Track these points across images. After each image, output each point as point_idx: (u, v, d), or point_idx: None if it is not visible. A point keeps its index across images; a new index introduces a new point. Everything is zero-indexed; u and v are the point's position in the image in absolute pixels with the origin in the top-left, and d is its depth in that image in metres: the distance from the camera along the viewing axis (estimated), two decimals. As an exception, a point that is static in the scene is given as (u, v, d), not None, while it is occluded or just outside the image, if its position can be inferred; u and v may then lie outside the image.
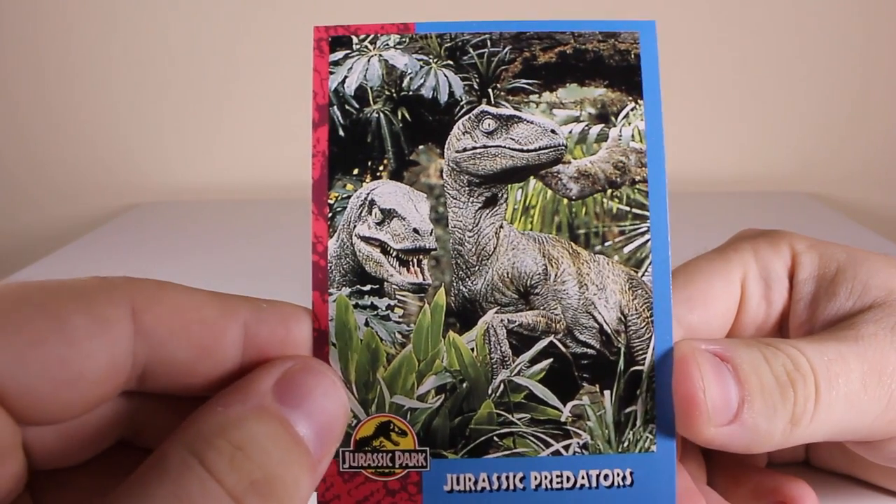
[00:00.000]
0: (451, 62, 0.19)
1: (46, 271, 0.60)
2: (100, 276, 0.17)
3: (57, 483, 0.17)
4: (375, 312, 0.19)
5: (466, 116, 0.19)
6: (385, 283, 0.19)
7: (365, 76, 0.19)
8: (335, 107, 0.19)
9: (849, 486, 0.27)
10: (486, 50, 0.19)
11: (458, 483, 0.19)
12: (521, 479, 0.19)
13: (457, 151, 0.19)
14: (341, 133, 0.19)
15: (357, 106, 0.19)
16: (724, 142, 0.80)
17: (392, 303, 0.19)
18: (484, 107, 0.19)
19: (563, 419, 0.19)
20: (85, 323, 0.16)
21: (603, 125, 0.19)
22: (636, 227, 0.19)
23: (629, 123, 0.19)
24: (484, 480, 0.19)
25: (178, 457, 0.15)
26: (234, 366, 0.18)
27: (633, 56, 0.19)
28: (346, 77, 0.19)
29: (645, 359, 0.19)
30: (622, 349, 0.19)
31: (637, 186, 0.19)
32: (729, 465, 0.25)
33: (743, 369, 0.19)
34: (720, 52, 0.78)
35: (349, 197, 0.19)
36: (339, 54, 0.19)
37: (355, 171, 0.19)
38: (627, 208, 0.19)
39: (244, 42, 0.80)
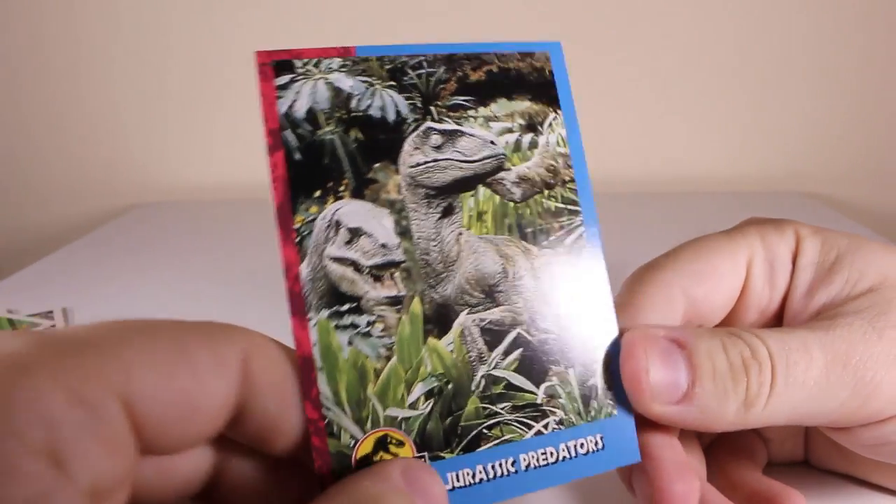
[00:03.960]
0: (393, 83, 0.20)
1: (46, 271, 0.60)
2: (215, 321, 0.18)
3: None
4: (357, 330, 0.19)
5: (415, 133, 0.20)
6: (362, 300, 0.19)
7: (314, 99, 0.20)
8: (288, 130, 0.19)
9: (848, 486, 0.28)
10: (423, 70, 0.21)
11: (458, 480, 0.20)
12: (513, 464, 0.20)
13: (410, 167, 0.20)
14: (297, 156, 0.19)
15: (310, 128, 0.19)
16: (724, 142, 0.81)
17: (371, 318, 0.19)
18: (429, 123, 0.20)
19: (538, 401, 0.21)
20: (208, 360, 0.17)
21: (532, 134, 0.22)
22: (572, 221, 0.22)
23: (553, 131, 0.22)
24: (480, 472, 0.20)
25: None
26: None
27: (547, 72, 0.22)
28: (294, 101, 0.19)
29: (596, 335, 0.21)
30: (576, 330, 0.21)
31: (568, 185, 0.22)
32: (727, 465, 0.26)
33: (697, 354, 0.21)
34: (720, 52, 0.78)
35: (314, 220, 0.19)
36: (285, 78, 0.19)
37: (317, 194, 0.19)
38: (563, 205, 0.22)
39: (244, 43, 0.76)
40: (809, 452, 0.29)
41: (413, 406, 0.19)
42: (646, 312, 0.24)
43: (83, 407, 0.15)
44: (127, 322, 0.17)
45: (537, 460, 0.20)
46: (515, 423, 0.20)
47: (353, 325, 0.19)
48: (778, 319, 0.26)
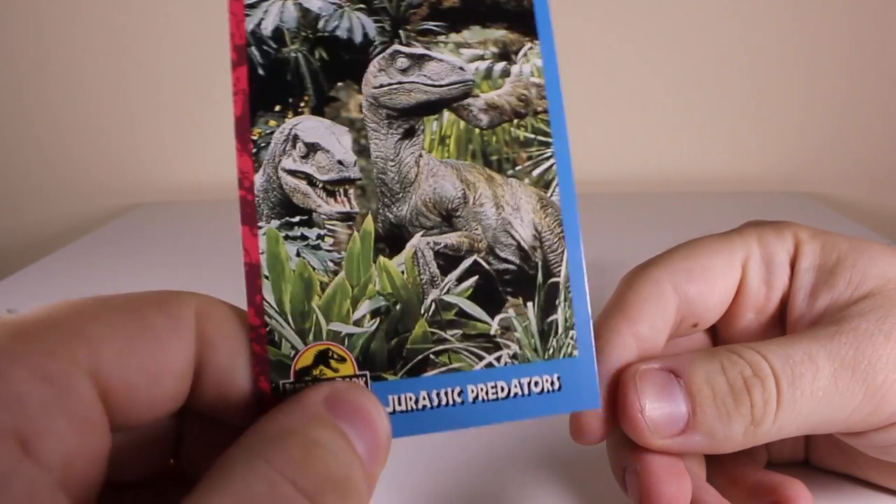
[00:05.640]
0: (362, 5, 0.20)
1: (47, 271, 0.61)
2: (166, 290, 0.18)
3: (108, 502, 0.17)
4: (306, 242, 0.19)
5: (381, 55, 0.20)
6: (313, 214, 0.19)
7: (281, 18, 0.20)
8: (253, 47, 0.20)
9: (848, 486, 0.27)
10: (394, -5, 0.21)
11: (399, 403, 0.19)
12: (459, 394, 0.20)
13: (374, 88, 0.20)
14: (260, 72, 0.20)
15: (275, 46, 0.20)
16: (724, 142, 0.81)
17: (322, 232, 0.19)
18: (397, 46, 0.20)
19: (492, 332, 0.20)
20: (165, 323, 0.17)
21: (505, 63, 0.21)
22: (542, 152, 0.21)
23: (528, 61, 0.21)
24: (424, 398, 0.19)
25: (244, 461, 0.15)
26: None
27: (526, 2, 0.21)
28: (262, 20, 0.20)
29: (560, 270, 0.21)
30: (539, 263, 0.21)
31: (539, 116, 0.21)
32: (727, 463, 0.25)
33: (694, 382, 0.21)
34: (720, 52, 0.78)
35: (272, 133, 0.20)
36: (253, -2, 0.20)
37: (277, 108, 0.20)
38: (533, 135, 0.21)
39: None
40: (809, 452, 0.28)
41: (358, 323, 0.19)
42: (636, 309, 0.24)
43: (50, 384, 0.15)
44: (83, 299, 0.17)
45: (486, 394, 0.20)
46: (465, 353, 0.20)
47: (303, 237, 0.19)
48: (778, 321, 0.25)
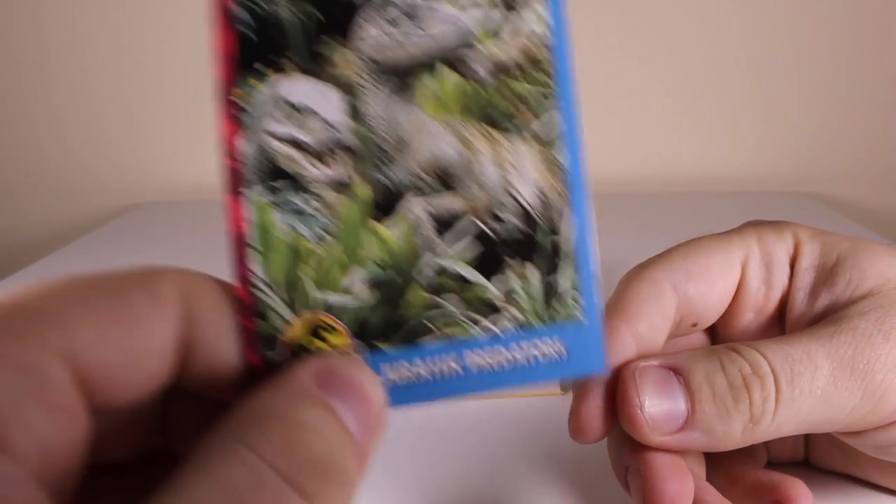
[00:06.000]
0: None
1: (47, 271, 0.60)
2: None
3: (94, 484, 0.17)
4: (294, 210, 0.18)
5: (371, 6, 0.19)
6: (302, 180, 0.19)
7: None
8: (235, 5, 0.19)
9: (848, 486, 0.28)
10: (383, -60, 0.19)
11: (395, 374, 0.19)
12: (458, 361, 0.19)
13: (363, 42, 0.19)
14: (243, 29, 0.19)
15: (258, 2, 0.19)
16: (724, 142, 0.81)
17: (311, 198, 0.19)
18: (386, -4, 0.19)
19: (491, 297, 0.19)
20: (146, 300, 0.16)
21: (507, 11, 0.20)
22: (544, 106, 0.20)
23: (531, 9, 0.20)
24: (421, 367, 0.19)
25: (222, 445, 0.14)
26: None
27: None
28: (241, -28, 0.19)
29: (565, 231, 0.19)
30: (542, 224, 0.19)
31: (542, 69, 0.20)
32: (727, 463, 0.26)
33: (694, 379, 0.21)
34: (720, 52, 0.78)
35: (256, 94, 0.19)
36: (232, -51, 0.19)
37: (261, 68, 0.19)
38: (536, 89, 0.20)
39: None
40: (809, 452, 0.28)
41: (350, 291, 0.19)
42: (635, 308, 0.24)
43: (19, 373, 0.14)
44: (59, 279, 0.16)
45: (486, 361, 0.19)
46: (463, 319, 0.19)
47: (291, 204, 0.18)
48: (777, 321, 0.26)
